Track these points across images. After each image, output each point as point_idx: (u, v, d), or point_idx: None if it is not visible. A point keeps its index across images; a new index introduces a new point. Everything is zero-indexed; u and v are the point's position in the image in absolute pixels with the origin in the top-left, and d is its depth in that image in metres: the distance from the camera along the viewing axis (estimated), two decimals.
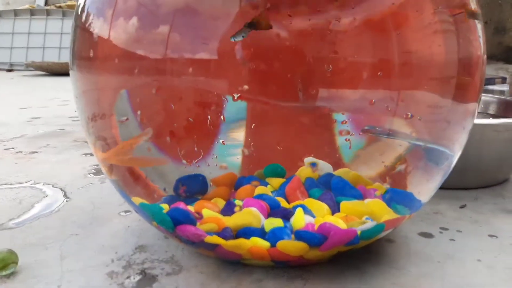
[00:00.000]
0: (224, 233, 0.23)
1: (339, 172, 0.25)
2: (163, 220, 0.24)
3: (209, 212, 0.24)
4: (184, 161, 0.24)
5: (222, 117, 0.23)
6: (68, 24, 2.14)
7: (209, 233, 0.24)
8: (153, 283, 0.25)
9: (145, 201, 0.26)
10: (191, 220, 0.24)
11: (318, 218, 0.23)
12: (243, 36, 0.21)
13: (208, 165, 0.24)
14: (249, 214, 0.23)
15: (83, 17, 0.25)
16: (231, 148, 0.24)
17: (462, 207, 0.37)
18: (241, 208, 0.24)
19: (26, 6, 2.36)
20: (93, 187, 0.42)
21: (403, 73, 0.23)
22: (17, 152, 0.56)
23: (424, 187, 0.26)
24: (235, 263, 0.27)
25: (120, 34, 0.23)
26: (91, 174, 0.46)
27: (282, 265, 0.26)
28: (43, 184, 0.43)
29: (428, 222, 0.34)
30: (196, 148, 0.24)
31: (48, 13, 2.23)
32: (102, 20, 0.24)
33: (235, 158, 0.24)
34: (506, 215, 0.35)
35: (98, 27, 0.24)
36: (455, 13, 0.24)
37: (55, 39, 2.18)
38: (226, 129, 0.23)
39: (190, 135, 0.24)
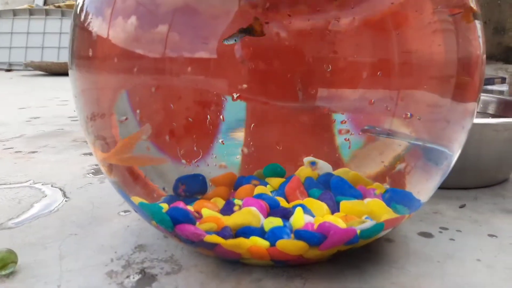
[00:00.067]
0: (224, 232, 0.23)
1: (339, 172, 0.25)
2: (162, 220, 0.24)
3: (208, 211, 0.24)
4: (183, 161, 0.24)
5: (221, 116, 0.23)
6: (67, 24, 2.14)
7: (209, 232, 0.24)
8: (153, 283, 0.25)
9: (144, 201, 0.26)
10: (190, 219, 0.24)
11: (318, 218, 0.23)
12: (235, 40, 0.21)
13: (208, 165, 0.24)
14: (249, 214, 0.23)
15: (82, 16, 0.25)
16: (231, 148, 0.24)
17: (461, 206, 0.37)
18: (240, 207, 0.24)
19: (25, 6, 2.36)
20: (92, 187, 0.42)
21: (402, 73, 0.23)
22: (16, 152, 0.56)
23: (423, 187, 0.26)
24: (234, 263, 0.27)
25: (119, 33, 0.23)
26: (90, 174, 0.46)
27: (281, 265, 0.26)
28: (42, 184, 0.43)
29: (427, 222, 0.34)
30: (195, 148, 0.24)
31: (47, 13, 2.23)
32: (101, 19, 0.24)
33: (235, 158, 0.24)
34: (506, 215, 0.36)
35: (97, 26, 0.24)
36: (454, 13, 0.24)
37: (54, 39, 2.18)
38: (225, 129, 0.23)
39: (190, 134, 0.24)
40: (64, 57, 2.11)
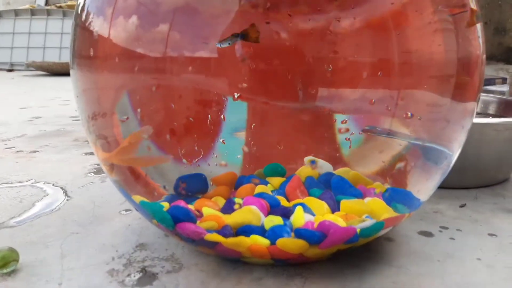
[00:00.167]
0: (224, 231, 0.24)
1: (339, 171, 0.25)
2: (163, 218, 0.25)
3: (209, 210, 0.24)
4: (184, 160, 0.24)
5: (222, 116, 0.23)
6: (69, 24, 2.14)
7: (209, 231, 0.24)
8: (154, 281, 0.25)
9: (145, 199, 0.26)
10: (191, 218, 0.24)
11: (318, 216, 0.24)
12: (229, 44, 0.21)
13: (208, 164, 0.24)
14: (249, 212, 0.23)
15: (83, 16, 0.25)
16: (231, 147, 0.24)
17: (462, 206, 0.37)
18: (241, 206, 0.24)
19: (27, 6, 2.36)
20: (93, 186, 0.42)
21: (402, 73, 0.23)
22: (17, 151, 0.56)
23: (423, 186, 0.26)
24: (235, 261, 0.27)
25: (120, 33, 0.23)
26: (92, 173, 0.46)
27: (281, 263, 0.26)
28: (43, 183, 0.43)
29: (428, 221, 0.34)
30: (196, 147, 0.24)
31: (49, 13, 2.24)
32: (102, 18, 0.24)
33: (235, 157, 0.24)
34: (506, 214, 0.36)
35: (98, 26, 0.24)
36: (454, 13, 0.24)
37: (55, 39, 2.19)
38: (226, 128, 0.23)
39: (191, 134, 0.24)
40: (65, 57, 2.12)
